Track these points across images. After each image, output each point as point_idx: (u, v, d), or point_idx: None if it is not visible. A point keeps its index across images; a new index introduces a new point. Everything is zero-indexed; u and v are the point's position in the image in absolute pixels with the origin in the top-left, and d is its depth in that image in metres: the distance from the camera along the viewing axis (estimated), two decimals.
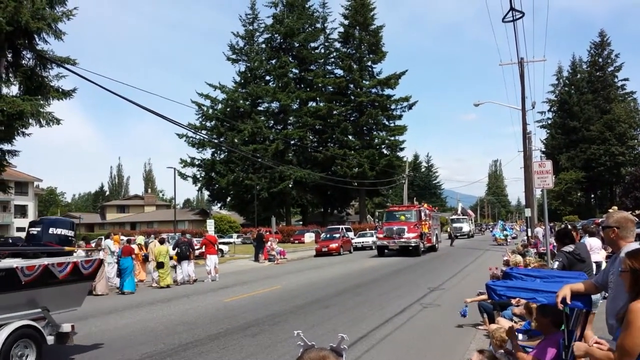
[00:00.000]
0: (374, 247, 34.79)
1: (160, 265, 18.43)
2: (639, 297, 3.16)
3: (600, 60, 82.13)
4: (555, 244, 12.81)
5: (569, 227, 9.19)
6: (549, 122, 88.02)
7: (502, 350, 4.98)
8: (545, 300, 4.25)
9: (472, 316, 10.03)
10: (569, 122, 79.92)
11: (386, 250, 31.29)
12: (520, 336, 5.50)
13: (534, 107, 40.76)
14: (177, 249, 19.45)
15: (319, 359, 1.81)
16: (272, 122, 67.42)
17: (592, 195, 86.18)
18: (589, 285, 4.05)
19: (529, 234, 28.03)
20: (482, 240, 54.08)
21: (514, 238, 46.14)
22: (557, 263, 6.61)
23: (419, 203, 39.92)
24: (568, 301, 3.88)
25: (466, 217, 63.58)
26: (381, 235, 31.76)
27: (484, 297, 9.51)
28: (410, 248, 29.66)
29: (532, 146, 35.88)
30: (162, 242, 19.48)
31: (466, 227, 60.07)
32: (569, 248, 6.73)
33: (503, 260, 15.40)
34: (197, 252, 21.54)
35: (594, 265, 11.34)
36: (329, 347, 2.01)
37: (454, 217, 64.69)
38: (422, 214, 32.27)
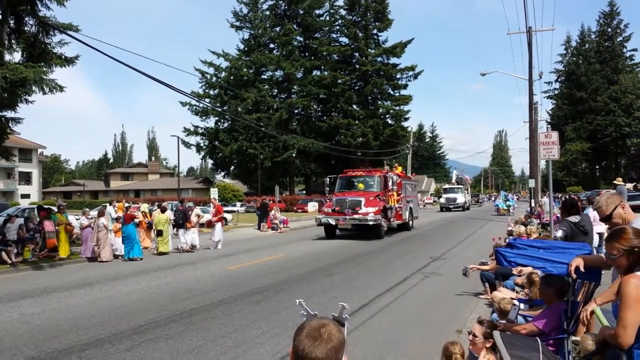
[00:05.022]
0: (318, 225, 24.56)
1: (159, 233, 18.61)
2: (632, 270, 3.18)
3: (609, 30, 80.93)
4: (559, 214, 12.83)
5: (574, 197, 9.19)
6: (556, 92, 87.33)
7: (505, 321, 5.02)
8: (556, 270, 4.26)
9: (473, 285, 10.11)
10: (576, 93, 79.21)
11: (338, 231, 24.22)
12: (521, 305, 5.54)
13: (541, 77, 40.51)
14: (173, 217, 19.69)
15: (319, 326, 1.82)
16: (275, 90, 66.95)
17: (597, 167, 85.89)
18: (601, 259, 4.06)
19: (532, 204, 28.04)
20: (483, 210, 54.15)
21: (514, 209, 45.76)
22: (560, 232, 6.58)
23: (390, 167, 29.51)
24: (582, 269, 3.89)
25: (461, 186, 57.82)
26: (329, 210, 23.58)
27: (486, 267, 9.59)
28: (369, 227, 22.60)
29: (538, 117, 35.60)
30: (163, 210, 19.58)
31: (460, 197, 54.78)
32: (575, 219, 6.68)
33: (507, 231, 15.50)
34: (201, 220, 21.57)
35: (597, 237, 11.40)
36: (331, 316, 2.02)
37: (447, 186, 60.59)
38: (389, 181, 24.25)
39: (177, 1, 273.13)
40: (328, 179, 26.51)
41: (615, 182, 20.23)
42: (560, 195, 38.13)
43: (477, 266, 9.85)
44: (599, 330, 3.60)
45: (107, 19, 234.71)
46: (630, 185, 34.91)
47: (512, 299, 6.20)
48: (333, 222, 23.00)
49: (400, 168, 30.49)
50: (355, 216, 22.30)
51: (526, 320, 5.12)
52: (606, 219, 4.12)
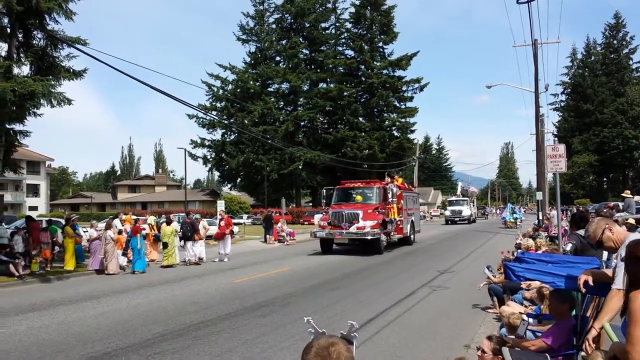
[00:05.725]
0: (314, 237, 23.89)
1: (164, 245, 18.66)
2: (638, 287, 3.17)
3: (615, 42, 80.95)
4: (567, 227, 12.75)
5: (583, 211, 9.14)
6: (562, 104, 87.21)
7: (514, 336, 4.98)
8: (564, 285, 4.24)
9: (481, 299, 10.04)
10: (582, 105, 79.08)
11: (335, 246, 23.18)
12: (530, 320, 5.50)
13: (547, 90, 40.46)
14: (181, 230, 19.69)
15: (328, 345, 1.81)
16: (282, 103, 67.19)
17: (605, 179, 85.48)
18: (606, 275, 4.03)
19: (540, 217, 27.86)
20: (490, 223, 53.85)
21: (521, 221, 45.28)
22: (570, 245, 6.51)
23: (391, 178, 27.69)
24: (591, 283, 3.86)
25: (467, 199, 56.40)
26: (324, 223, 22.42)
27: (496, 279, 9.53)
28: (367, 242, 21.15)
29: (545, 129, 35.50)
30: (169, 222, 19.62)
31: (466, 210, 52.74)
32: (584, 232, 6.63)
33: (515, 244, 15.40)
34: (207, 232, 21.58)
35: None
36: (339, 334, 2.01)
37: (452, 198, 59.10)
38: (389, 193, 23.00)
39: (185, 14, 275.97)
40: (325, 191, 25.30)
41: (623, 194, 20.10)
42: (568, 208, 37.86)
43: (491, 278, 9.73)
44: (610, 346, 3.56)
45: (114, 31, 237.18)
46: (638, 198, 34.66)
47: (521, 313, 6.15)
48: (329, 236, 22.03)
49: (400, 179, 29.27)
50: (353, 230, 21.03)
51: (535, 335, 5.08)
52: (599, 244, 4.08)
